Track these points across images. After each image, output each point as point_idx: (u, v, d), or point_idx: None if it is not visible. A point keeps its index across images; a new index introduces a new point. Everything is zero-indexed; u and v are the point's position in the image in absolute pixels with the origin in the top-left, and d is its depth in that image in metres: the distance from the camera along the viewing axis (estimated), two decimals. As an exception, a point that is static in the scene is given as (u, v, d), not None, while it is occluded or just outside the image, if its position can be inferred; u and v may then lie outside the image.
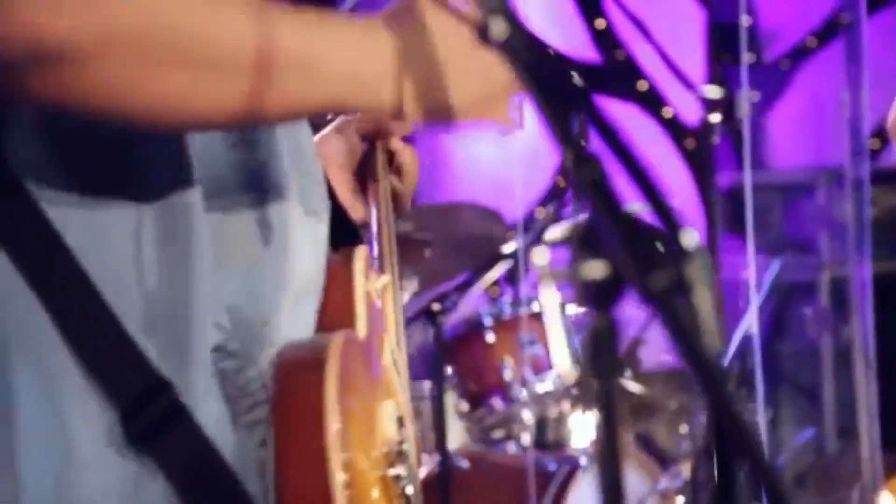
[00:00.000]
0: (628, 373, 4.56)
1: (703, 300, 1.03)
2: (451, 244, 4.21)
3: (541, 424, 4.20)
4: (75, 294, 1.35)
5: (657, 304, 1.02)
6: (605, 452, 1.07)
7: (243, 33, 1.29)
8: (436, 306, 3.88)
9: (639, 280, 1.03)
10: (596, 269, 1.06)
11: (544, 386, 4.14)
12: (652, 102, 6.55)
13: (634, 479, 4.08)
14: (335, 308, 1.46)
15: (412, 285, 4.09)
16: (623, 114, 6.53)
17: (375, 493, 1.42)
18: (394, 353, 1.61)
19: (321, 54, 1.32)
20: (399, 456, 1.47)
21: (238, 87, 1.29)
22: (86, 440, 1.35)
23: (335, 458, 1.32)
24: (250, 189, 1.44)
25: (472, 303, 4.44)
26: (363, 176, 1.94)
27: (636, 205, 1.09)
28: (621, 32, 6.55)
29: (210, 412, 1.39)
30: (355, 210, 1.92)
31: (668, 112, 6.54)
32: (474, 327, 4.29)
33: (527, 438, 4.14)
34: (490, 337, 4.24)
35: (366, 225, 1.88)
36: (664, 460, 4.34)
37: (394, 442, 1.48)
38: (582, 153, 1.07)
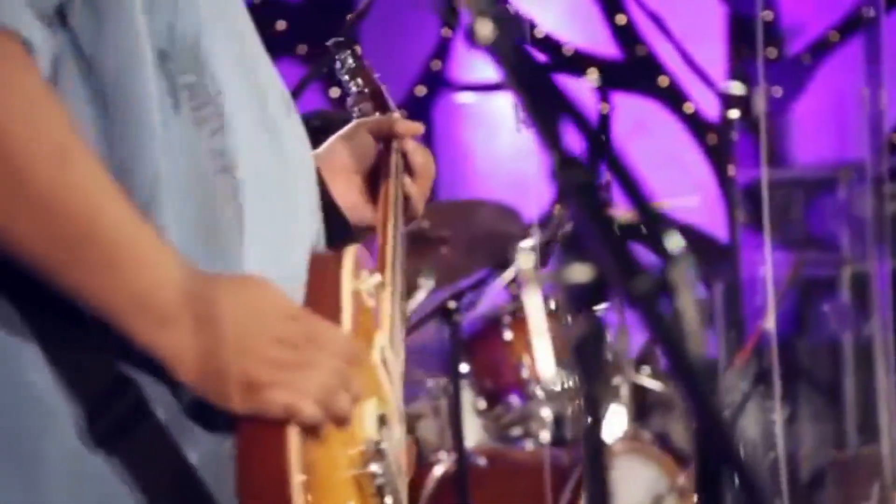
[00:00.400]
0: (646, 370, 4.55)
1: (687, 304, 1.03)
2: (469, 241, 4.21)
3: (558, 421, 4.19)
4: (44, 294, 1.36)
5: (640, 308, 1.02)
6: (591, 454, 1.07)
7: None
8: (452, 304, 3.88)
9: (622, 284, 1.03)
10: (580, 273, 1.06)
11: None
12: (673, 98, 6.54)
13: (652, 476, 4.07)
14: (320, 305, 1.46)
15: (429, 283, 4.09)
16: (644, 110, 6.52)
17: (344, 491, 1.43)
18: (384, 350, 1.60)
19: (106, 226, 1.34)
20: (377, 454, 1.47)
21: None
22: (55, 437, 1.37)
23: (295, 458, 1.34)
24: (225, 176, 1.45)
25: (489, 300, 4.44)
26: (375, 179, 1.95)
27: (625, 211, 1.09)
28: (642, 28, 6.54)
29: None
30: (363, 213, 1.92)
31: (689, 108, 6.53)
32: (492, 324, 4.29)
33: (545, 436, 4.14)
34: (507, 334, 4.24)
35: (374, 228, 1.88)
36: (682, 457, 4.33)
37: (372, 441, 1.48)
38: (566, 156, 1.07)
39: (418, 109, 6.18)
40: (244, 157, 1.47)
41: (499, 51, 1.13)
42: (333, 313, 1.47)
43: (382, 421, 1.53)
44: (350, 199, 1.91)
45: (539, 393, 4.15)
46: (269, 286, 1.40)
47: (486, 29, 1.13)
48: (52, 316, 1.38)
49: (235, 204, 1.45)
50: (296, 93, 3.57)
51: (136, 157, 1.39)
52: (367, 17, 3.44)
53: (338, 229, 1.76)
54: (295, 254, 1.53)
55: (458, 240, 4.15)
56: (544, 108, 1.11)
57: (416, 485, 4.09)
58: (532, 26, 6.40)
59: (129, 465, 1.36)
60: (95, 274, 1.34)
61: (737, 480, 0.99)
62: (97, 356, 1.38)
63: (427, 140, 6.30)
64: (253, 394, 1.36)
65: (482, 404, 4.29)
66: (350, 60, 2.21)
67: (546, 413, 4.15)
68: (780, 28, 6.51)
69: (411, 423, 4.32)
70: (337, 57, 2.23)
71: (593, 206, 1.06)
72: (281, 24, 5.95)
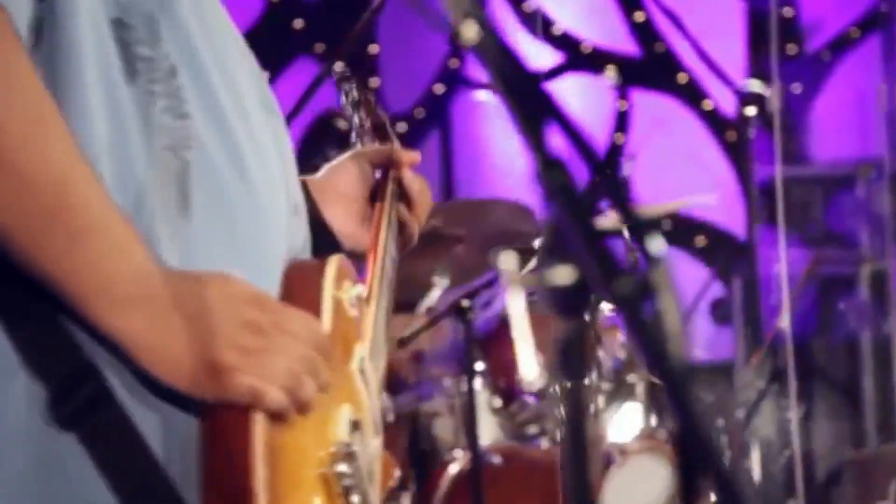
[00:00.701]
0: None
1: (669, 305, 1.02)
2: (483, 240, 4.21)
3: (574, 420, 4.17)
4: (10, 274, 1.37)
5: (622, 310, 1.02)
6: (572, 454, 1.07)
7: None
8: (466, 302, 3.87)
9: (604, 285, 1.03)
10: (563, 275, 1.06)
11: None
12: (691, 95, 6.53)
13: (667, 475, 4.06)
14: (299, 304, 1.47)
15: (444, 281, 4.09)
16: (663, 107, 6.51)
17: (310, 486, 1.43)
18: (363, 361, 1.61)
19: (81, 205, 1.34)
20: (346, 456, 1.48)
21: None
22: (15, 416, 1.37)
23: (259, 443, 1.34)
24: (174, 154, 1.45)
25: (504, 298, 4.43)
26: (373, 205, 1.96)
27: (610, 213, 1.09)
28: (660, 25, 6.53)
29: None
30: (360, 240, 1.92)
31: (707, 105, 6.52)
32: (506, 323, 4.29)
33: (560, 434, 4.13)
34: (522, 332, 4.23)
35: (367, 253, 1.89)
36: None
37: (342, 443, 1.49)
38: (550, 158, 1.07)
39: (436, 107, 6.18)
40: (201, 142, 1.47)
41: (484, 52, 1.13)
42: (312, 313, 1.47)
43: (356, 426, 1.53)
44: (349, 226, 1.93)
45: (555, 391, 4.14)
46: (237, 277, 1.40)
47: (470, 31, 1.13)
48: (19, 296, 1.38)
49: (180, 184, 1.44)
50: (310, 91, 3.58)
51: (70, 117, 1.39)
52: (380, 13, 3.43)
53: (325, 246, 1.78)
54: (265, 249, 1.53)
55: (473, 238, 4.15)
56: (529, 109, 1.11)
57: (431, 483, 4.09)
58: (550, 23, 6.40)
59: (94, 448, 1.37)
60: (60, 254, 1.34)
61: (717, 484, 0.99)
62: (62, 338, 1.38)
63: (445, 138, 6.30)
64: (218, 378, 1.36)
65: (497, 402, 4.29)
66: (354, 93, 2.22)
67: (561, 411, 4.15)
68: (800, 25, 6.49)
69: (427, 421, 4.33)
70: (342, 89, 2.23)
71: (575, 208, 1.06)
72: (298, 23, 5.97)
